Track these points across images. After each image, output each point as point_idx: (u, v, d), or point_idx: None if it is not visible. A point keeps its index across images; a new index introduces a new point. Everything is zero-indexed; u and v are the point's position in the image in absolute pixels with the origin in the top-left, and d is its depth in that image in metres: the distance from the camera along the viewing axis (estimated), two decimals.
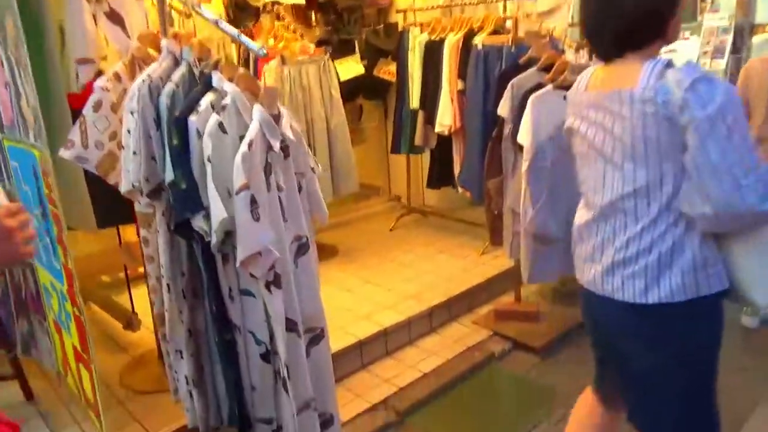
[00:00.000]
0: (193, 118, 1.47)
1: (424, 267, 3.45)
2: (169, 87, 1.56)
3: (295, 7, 3.97)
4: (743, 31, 3.86)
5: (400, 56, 3.82)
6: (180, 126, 1.47)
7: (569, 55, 2.94)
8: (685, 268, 1.27)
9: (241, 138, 1.44)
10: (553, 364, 2.70)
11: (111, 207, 2.00)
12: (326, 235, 3.92)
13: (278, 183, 1.53)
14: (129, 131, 1.57)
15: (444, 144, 3.64)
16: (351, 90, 3.91)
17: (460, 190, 3.48)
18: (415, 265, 3.50)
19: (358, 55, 3.88)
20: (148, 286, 1.86)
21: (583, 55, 3.01)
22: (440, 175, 3.77)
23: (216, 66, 1.61)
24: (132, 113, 1.55)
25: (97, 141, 1.70)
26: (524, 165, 2.43)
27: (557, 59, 2.48)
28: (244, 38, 1.63)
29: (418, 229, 4.13)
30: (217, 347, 1.58)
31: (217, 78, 1.55)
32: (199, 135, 1.45)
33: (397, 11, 4.11)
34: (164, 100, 1.54)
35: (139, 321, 2.64)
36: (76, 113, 1.77)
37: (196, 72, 1.62)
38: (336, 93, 3.40)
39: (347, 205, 4.33)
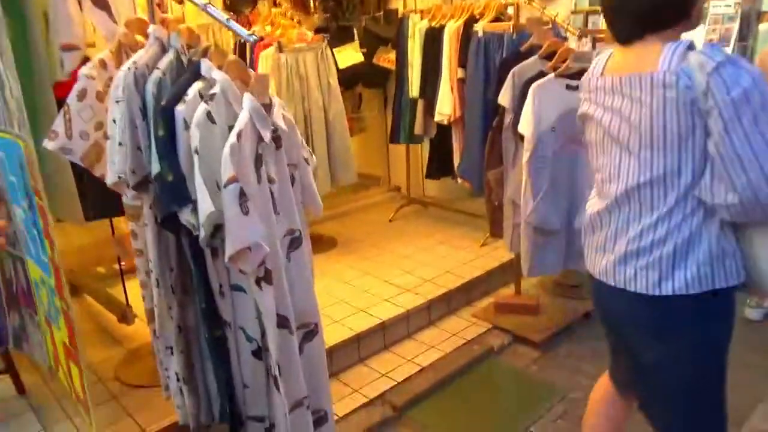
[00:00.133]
0: (180, 108, 1.41)
1: (423, 259, 3.41)
2: (155, 75, 1.50)
3: None
4: (750, 19, 3.77)
5: (399, 43, 3.75)
6: (166, 116, 1.41)
7: (572, 43, 2.87)
8: (701, 260, 1.24)
9: (231, 128, 1.38)
10: (553, 359, 2.66)
11: (100, 199, 1.95)
12: (325, 226, 3.88)
13: (269, 175, 1.47)
14: (114, 121, 1.51)
15: (443, 134, 3.59)
16: (350, 78, 3.85)
17: (459, 180, 3.43)
18: (415, 256, 3.45)
19: (357, 43, 3.81)
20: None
21: (586, 43, 2.94)
22: (440, 165, 3.72)
23: (205, 53, 1.55)
24: (117, 102, 1.49)
25: (82, 131, 1.64)
26: (525, 155, 2.37)
27: (559, 47, 2.42)
28: (234, 24, 1.58)
29: (417, 220, 4.09)
30: (207, 344, 1.54)
31: (206, 66, 1.49)
32: (186, 125, 1.40)
33: None
34: (150, 89, 1.49)
35: (134, 314, 2.60)
36: (62, 102, 1.71)
37: (184, 59, 1.57)
38: (334, 81, 3.33)
39: (346, 195, 4.29)
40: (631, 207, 1.30)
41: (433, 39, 3.46)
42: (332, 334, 2.56)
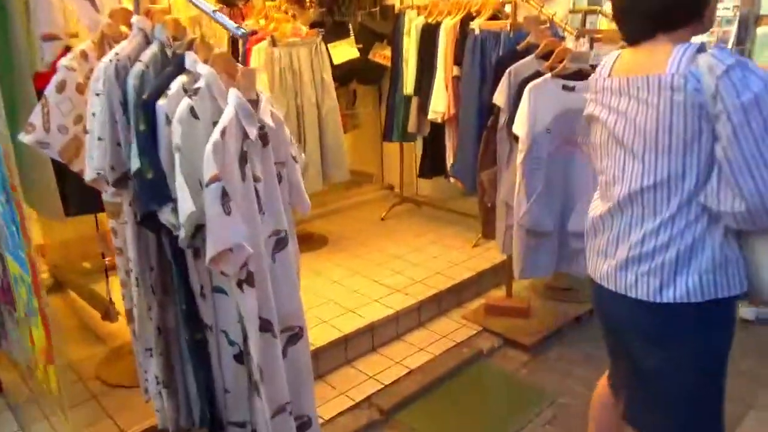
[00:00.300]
0: (161, 102, 1.36)
1: (414, 259, 3.36)
2: (137, 67, 1.45)
3: None
4: (748, 22, 3.75)
5: (395, 40, 3.70)
6: (147, 110, 1.36)
7: (569, 43, 2.83)
8: (703, 268, 1.21)
9: (215, 125, 1.34)
10: (543, 362, 2.63)
11: (81, 194, 1.89)
12: (316, 224, 3.83)
13: (255, 173, 1.42)
14: (94, 115, 1.45)
15: (437, 132, 3.54)
16: (345, 74, 3.79)
17: (452, 180, 3.39)
18: (406, 256, 3.41)
19: (352, 38, 3.75)
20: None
21: (584, 43, 2.90)
22: (432, 164, 3.68)
23: (190, 46, 1.50)
24: (97, 95, 1.44)
25: (61, 125, 1.58)
26: (519, 157, 2.34)
27: (557, 46, 2.39)
28: (221, 17, 1.52)
29: (410, 219, 4.04)
30: (188, 347, 1.49)
31: (190, 59, 1.44)
32: (168, 120, 1.34)
33: None
34: (132, 82, 1.43)
35: (117, 311, 2.54)
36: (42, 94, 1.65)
37: (169, 52, 1.51)
38: (328, 77, 3.28)
39: (338, 192, 4.23)
40: (634, 211, 1.28)
41: (429, 36, 3.41)
42: (319, 334, 2.52)
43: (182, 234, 1.32)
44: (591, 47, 2.80)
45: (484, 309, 2.93)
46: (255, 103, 1.43)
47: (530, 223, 2.39)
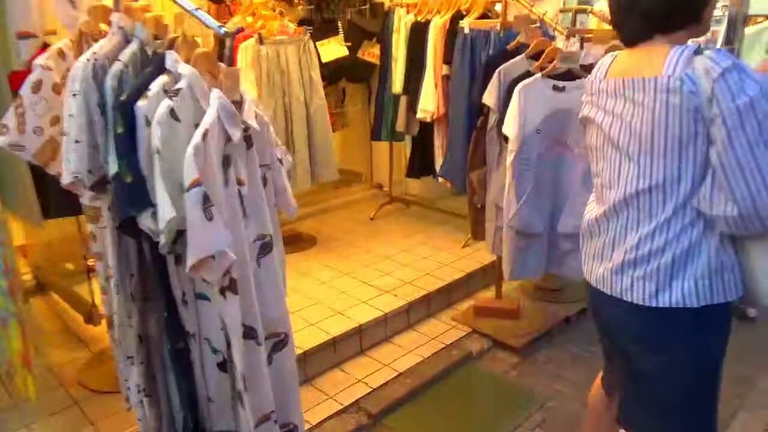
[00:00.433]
0: (140, 104, 1.31)
1: (403, 259, 3.34)
2: (116, 67, 1.40)
3: None
4: (736, 22, 3.75)
5: (384, 38, 3.66)
6: (126, 112, 1.31)
7: (559, 42, 2.81)
8: (699, 273, 1.21)
9: (197, 127, 1.29)
10: (533, 364, 2.62)
11: (59, 197, 1.83)
12: (304, 224, 3.79)
13: (238, 177, 1.38)
14: (71, 116, 1.40)
15: (426, 132, 3.52)
16: (334, 72, 3.75)
17: (440, 180, 3.36)
18: (395, 257, 3.38)
19: (341, 36, 3.71)
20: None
21: (574, 43, 2.88)
22: (421, 164, 3.65)
23: (171, 45, 1.45)
24: (74, 96, 1.39)
25: (36, 126, 1.53)
26: (509, 158, 2.32)
27: (547, 46, 2.36)
28: (202, 14, 1.47)
29: (399, 219, 4.02)
30: (169, 355, 1.44)
31: (171, 59, 1.39)
32: (148, 122, 1.30)
33: None
34: (110, 82, 1.38)
35: (101, 315, 2.49)
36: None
37: (149, 51, 1.46)
38: (316, 75, 3.23)
39: (327, 192, 4.20)
40: (630, 214, 1.27)
41: (418, 34, 3.38)
42: (307, 337, 2.49)
43: (162, 240, 1.28)
44: (581, 47, 2.78)
45: (473, 310, 2.91)
46: (239, 104, 1.39)
47: (520, 224, 2.37)
